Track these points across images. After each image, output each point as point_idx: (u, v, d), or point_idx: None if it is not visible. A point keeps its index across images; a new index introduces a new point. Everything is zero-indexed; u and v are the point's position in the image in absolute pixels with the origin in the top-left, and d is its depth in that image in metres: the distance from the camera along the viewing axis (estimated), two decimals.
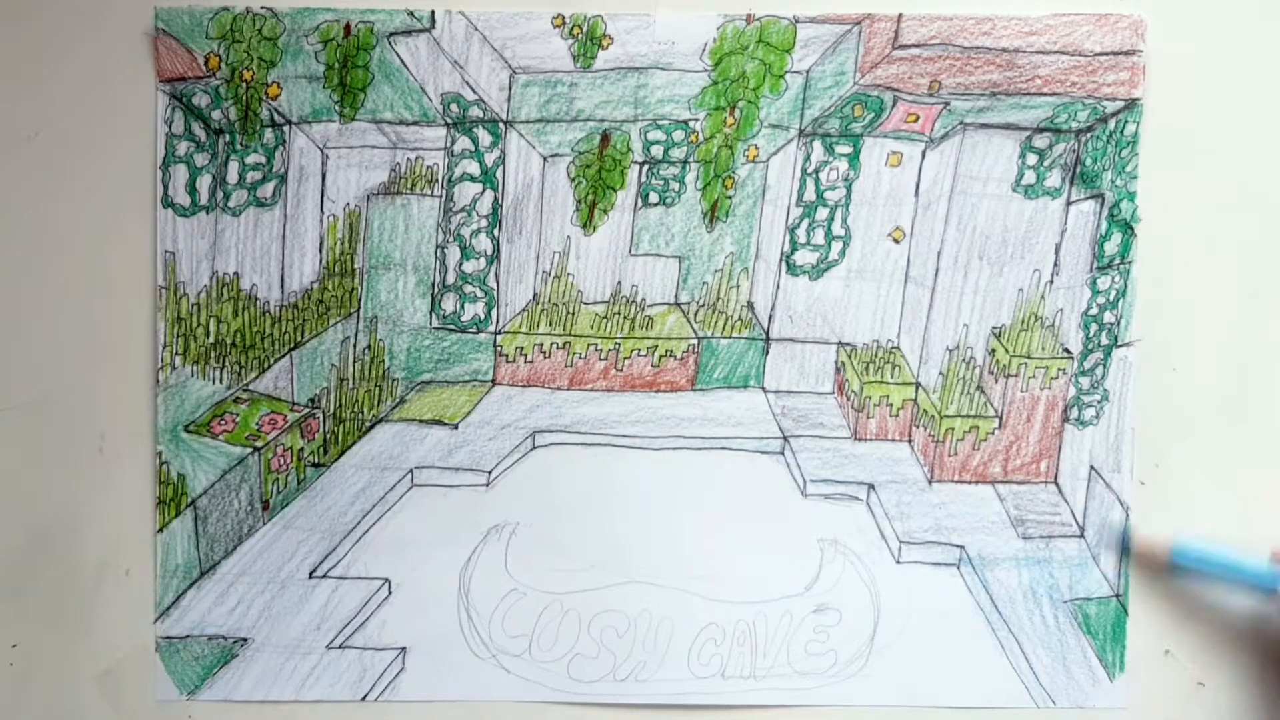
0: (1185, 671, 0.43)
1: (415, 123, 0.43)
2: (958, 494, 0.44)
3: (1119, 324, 0.43)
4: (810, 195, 0.44)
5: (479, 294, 0.44)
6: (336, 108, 0.43)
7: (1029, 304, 0.43)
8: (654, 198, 0.44)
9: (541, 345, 0.44)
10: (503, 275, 0.44)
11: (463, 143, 0.43)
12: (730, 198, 0.44)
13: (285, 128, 0.43)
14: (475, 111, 0.43)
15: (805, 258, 0.44)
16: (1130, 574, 0.43)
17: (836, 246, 0.44)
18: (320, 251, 0.44)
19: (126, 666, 0.44)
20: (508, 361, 0.44)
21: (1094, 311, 0.43)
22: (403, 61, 0.43)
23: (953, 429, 0.44)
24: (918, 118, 0.43)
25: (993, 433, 0.44)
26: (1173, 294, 0.43)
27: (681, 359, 0.44)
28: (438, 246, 0.44)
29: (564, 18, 0.43)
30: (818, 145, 0.43)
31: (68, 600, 0.44)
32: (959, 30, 0.43)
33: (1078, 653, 0.43)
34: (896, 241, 0.44)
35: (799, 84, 0.43)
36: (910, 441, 0.44)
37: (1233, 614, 0.43)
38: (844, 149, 0.43)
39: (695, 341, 0.44)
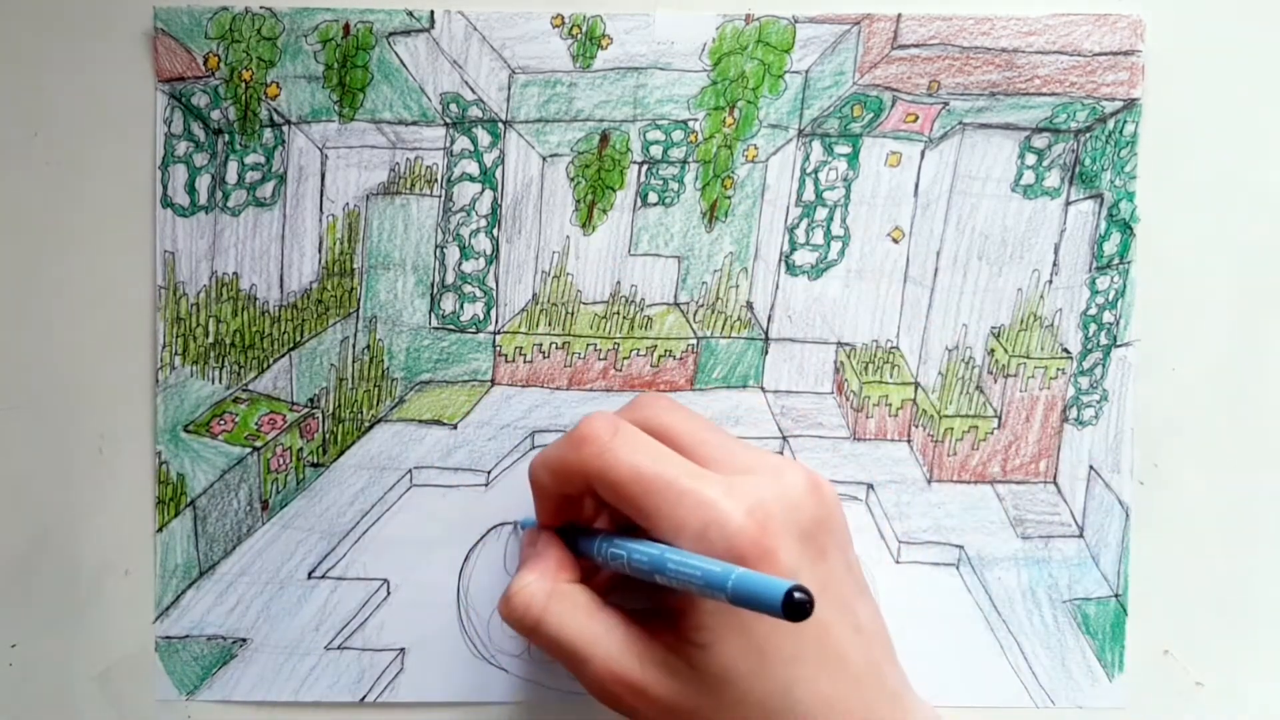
0: (1185, 671, 0.43)
1: (414, 123, 0.43)
2: (957, 494, 0.44)
3: (1118, 324, 0.43)
4: (809, 195, 0.44)
5: (478, 294, 0.44)
6: (336, 108, 0.43)
7: (1028, 304, 0.43)
8: (653, 198, 0.44)
9: (541, 345, 0.44)
10: (502, 275, 0.44)
11: (462, 143, 0.43)
12: (729, 198, 0.44)
13: (284, 128, 0.43)
14: (475, 111, 0.43)
15: (804, 258, 0.44)
16: (1130, 574, 0.43)
17: (836, 246, 0.44)
18: (320, 251, 0.44)
19: (126, 666, 0.44)
20: (507, 361, 0.44)
21: (1093, 311, 0.43)
22: (402, 61, 0.43)
23: (952, 429, 0.44)
24: (917, 118, 0.43)
25: (992, 432, 0.44)
26: (1172, 294, 0.43)
27: (680, 359, 0.44)
28: (437, 246, 0.44)
29: (563, 18, 0.43)
30: (817, 145, 0.43)
31: (67, 600, 0.44)
32: (958, 30, 0.43)
33: (1077, 653, 0.43)
34: (896, 241, 0.44)
35: (798, 84, 0.43)
36: (909, 441, 0.44)
37: (1233, 614, 0.44)
38: (843, 149, 0.43)
39: (694, 341, 0.44)
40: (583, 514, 0.38)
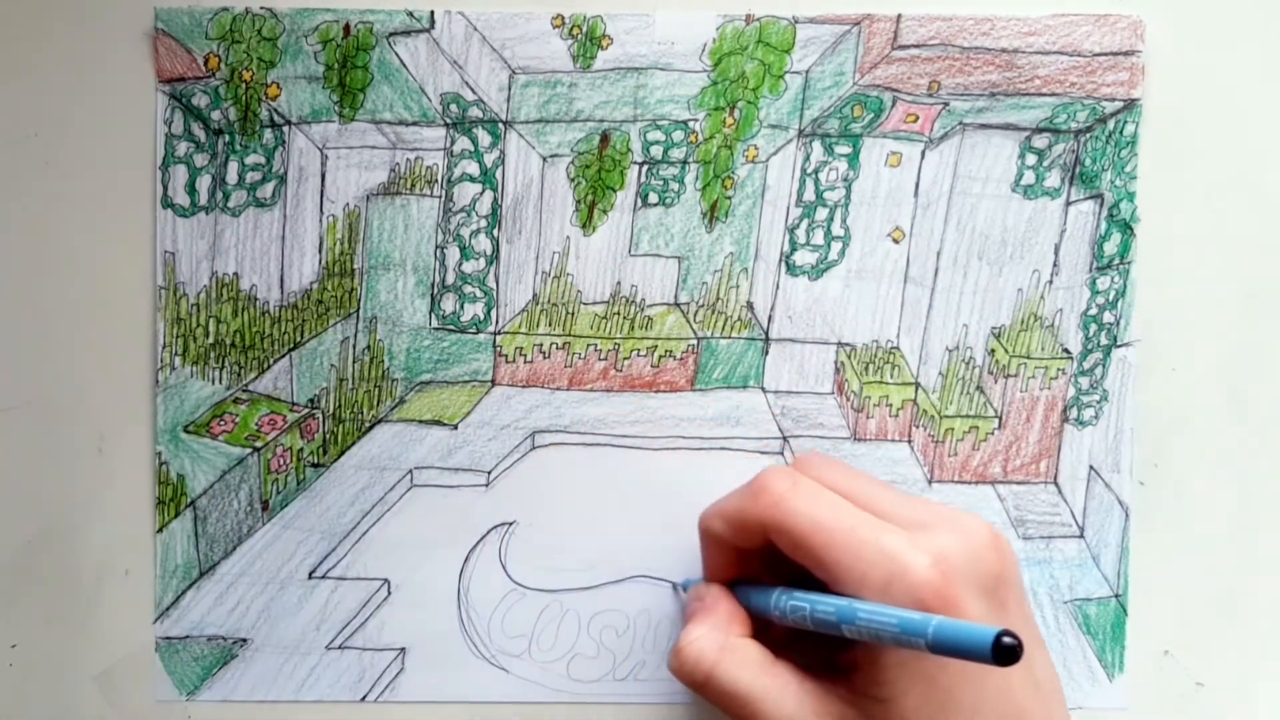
0: (1185, 671, 0.43)
1: (415, 123, 0.43)
2: (957, 494, 0.44)
3: (1118, 324, 0.43)
4: (810, 195, 0.44)
5: (478, 294, 0.44)
6: (336, 108, 0.43)
7: (1028, 304, 0.43)
8: (653, 198, 0.44)
9: (541, 345, 0.44)
10: (502, 275, 0.44)
11: (462, 143, 0.43)
12: (730, 198, 0.44)
13: (285, 128, 0.43)
14: (475, 112, 0.43)
15: (805, 258, 0.44)
16: (1130, 574, 0.43)
17: (836, 247, 0.44)
18: (320, 252, 0.44)
19: (126, 666, 0.44)
20: (507, 362, 0.44)
21: (1093, 312, 0.43)
22: (402, 62, 0.43)
23: (952, 429, 0.44)
24: (917, 118, 0.43)
25: (992, 433, 0.44)
26: (1173, 294, 0.43)
27: (681, 359, 0.44)
28: (437, 247, 0.44)
29: (564, 18, 0.43)
30: (817, 145, 0.43)
31: (67, 600, 0.44)
32: (958, 30, 0.43)
33: (1077, 653, 0.43)
34: (896, 242, 0.44)
35: (798, 84, 0.43)
36: (910, 442, 0.44)
37: (1233, 614, 0.44)
38: (843, 149, 0.44)
39: (695, 342, 0.44)
40: (750, 569, 0.38)
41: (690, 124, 0.43)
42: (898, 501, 0.35)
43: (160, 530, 0.43)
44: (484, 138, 0.43)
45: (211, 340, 0.43)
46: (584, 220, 0.44)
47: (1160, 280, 0.43)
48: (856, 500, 0.35)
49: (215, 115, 0.43)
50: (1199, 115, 0.43)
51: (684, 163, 0.43)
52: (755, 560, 0.37)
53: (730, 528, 0.36)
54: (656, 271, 0.44)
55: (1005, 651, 0.28)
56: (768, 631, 0.37)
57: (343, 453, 0.44)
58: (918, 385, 0.44)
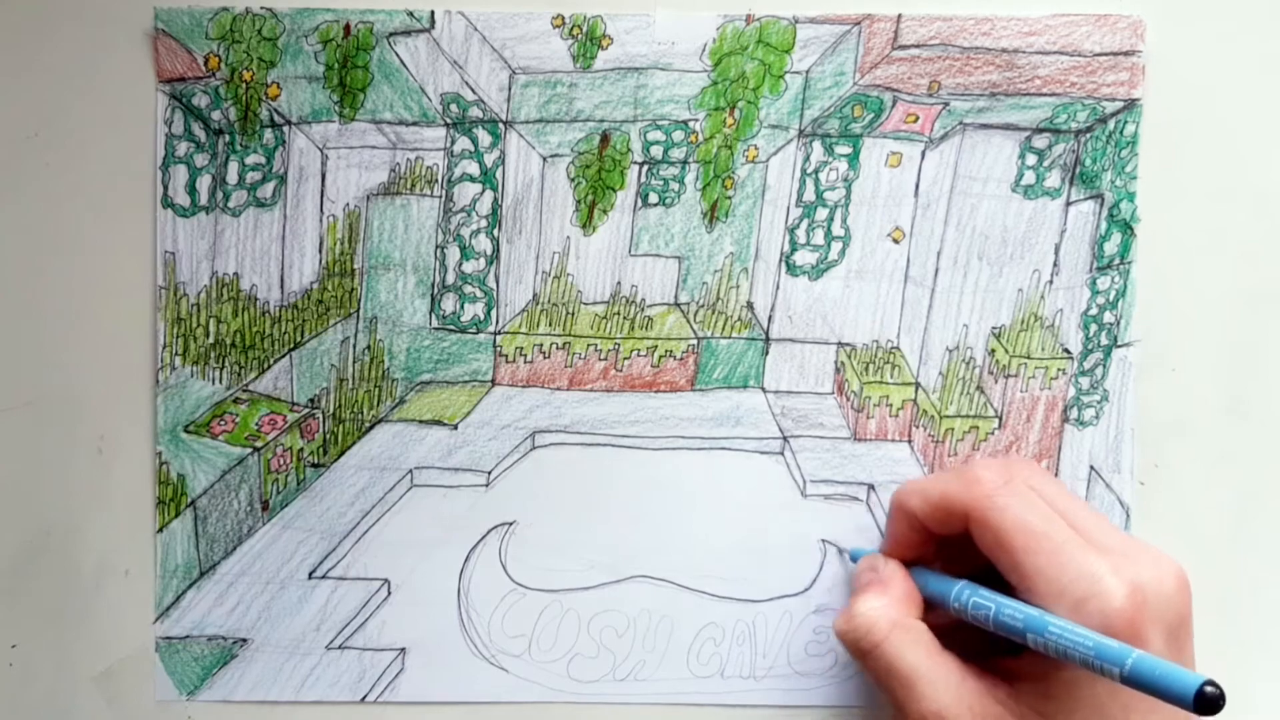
0: None
1: (415, 123, 0.43)
2: None
3: (1119, 324, 0.43)
4: (810, 195, 0.44)
5: (479, 294, 0.44)
6: (336, 108, 0.43)
7: (1029, 304, 0.43)
8: (654, 198, 0.44)
9: (541, 345, 0.44)
10: (502, 275, 0.44)
11: (462, 143, 0.43)
12: (730, 198, 0.44)
13: (285, 128, 0.43)
14: (475, 112, 0.43)
15: (805, 258, 0.44)
16: None
17: (836, 247, 0.44)
18: (320, 252, 0.44)
19: (126, 666, 0.44)
20: (507, 362, 0.44)
21: (1094, 312, 0.43)
22: (402, 62, 0.43)
23: (953, 429, 0.44)
24: (917, 118, 0.43)
25: (993, 433, 0.44)
26: (1173, 294, 0.43)
27: (681, 359, 0.44)
28: (437, 247, 0.44)
29: (564, 18, 0.43)
30: (817, 146, 0.43)
31: (67, 600, 0.44)
32: (958, 31, 0.43)
33: None
34: (896, 242, 0.44)
35: (799, 84, 0.43)
36: (910, 442, 0.44)
37: (1233, 614, 0.43)
38: (843, 149, 0.44)
39: (695, 342, 0.44)
40: (929, 553, 0.38)
41: (690, 124, 0.43)
42: (1100, 525, 0.36)
43: (160, 530, 0.43)
44: (484, 138, 0.43)
45: (212, 340, 0.43)
46: (584, 220, 0.44)
47: (1160, 280, 0.43)
48: (1061, 513, 0.35)
49: (215, 115, 0.43)
50: (1199, 115, 0.43)
51: (684, 163, 0.43)
52: (934, 545, 0.38)
53: (930, 509, 0.37)
54: (656, 271, 0.44)
55: (1207, 702, 0.28)
56: (929, 617, 0.37)
57: (343, 453, 0.44)
58: (918, 385, 0.44)
